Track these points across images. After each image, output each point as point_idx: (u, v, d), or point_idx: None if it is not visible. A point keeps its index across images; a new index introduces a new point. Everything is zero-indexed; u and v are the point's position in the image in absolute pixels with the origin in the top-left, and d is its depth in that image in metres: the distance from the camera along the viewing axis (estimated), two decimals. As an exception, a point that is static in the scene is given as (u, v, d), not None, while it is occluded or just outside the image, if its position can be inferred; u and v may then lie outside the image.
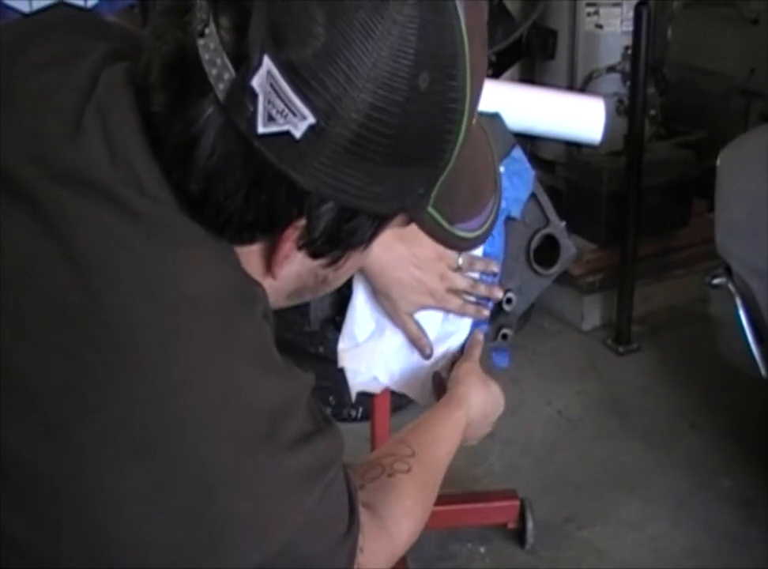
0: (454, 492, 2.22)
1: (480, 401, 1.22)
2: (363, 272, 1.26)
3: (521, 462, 2.39)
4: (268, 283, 0.74)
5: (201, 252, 0.68)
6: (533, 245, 1.47)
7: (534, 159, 2.55)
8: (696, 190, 2.99)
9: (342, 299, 1.40)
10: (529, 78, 3.25)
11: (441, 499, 2.23)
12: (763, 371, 2.04)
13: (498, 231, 1.41)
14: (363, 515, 0.85)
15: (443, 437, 1.18)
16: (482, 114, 1.41)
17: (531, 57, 3.25)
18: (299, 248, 0.70)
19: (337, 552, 0.78)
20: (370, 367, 1.38)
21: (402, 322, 1.30)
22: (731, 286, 2.06)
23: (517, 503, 2.09)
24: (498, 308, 1.47)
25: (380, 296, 1.29)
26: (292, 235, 0.68)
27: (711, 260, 2.29)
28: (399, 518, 0.98)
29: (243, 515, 0.65)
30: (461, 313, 1.32)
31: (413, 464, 1.09)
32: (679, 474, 2.33)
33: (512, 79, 3.22)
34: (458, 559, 2.10)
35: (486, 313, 1.34)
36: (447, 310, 1.31)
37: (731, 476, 2.31)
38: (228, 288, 0.69)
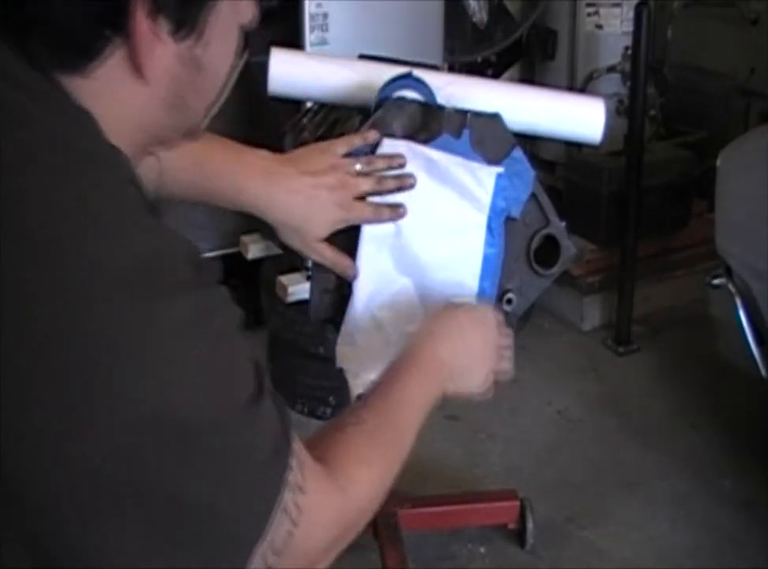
0: (454, 492, 2.23)
1: (454, 326, 1.12)
2: (274, 223, 1.19)
3: (522, 463, 2.39)
4: (143, 95, 0.72)
5: (62, 121, 0.67)
6: (533, 245, 1.47)
7: (534, 159, 2.55)
8: (696, 190, 2.99)
9: (342, 299, 1.40)
10: (529, 78, 3.25)
11: (441, 500, 2.25)
12: (763, 372, 2.04)
13: (498, 231, 1.41)
14: (308, 459, 0.81)
15: (401, 380, 1.04)
16: (482, 114, 1.42)
17: (531, 57, 3.25)
18: (153, 19, 0.68)
19: (242, 432, 0.71)
20: (369, 368, 1.38)
21: (315, 251, 1.23)
22: (731, 286, 2.06)
23: (517, 503, 2.09)
24: (498, 309, 1.47)
25: (287, 233, 1.21)
26: (142, 14, 0.67)
27: (711, 260, 2.29)
28: (349, 468, 0.90)
29: (111, 367, 0.63)
30: (378, 218, 1.25)
31: (363, 413, 0.99)
32: (679, 474, 2.33)
33: (512, 79, 3.22)
34: (458, 559, 2.09)
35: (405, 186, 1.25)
36: (363, 221, 1.24)
37: (731, 476, 2.31)
38: (91, 153, 0.68)
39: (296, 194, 1.19)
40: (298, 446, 0.80)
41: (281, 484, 0.75)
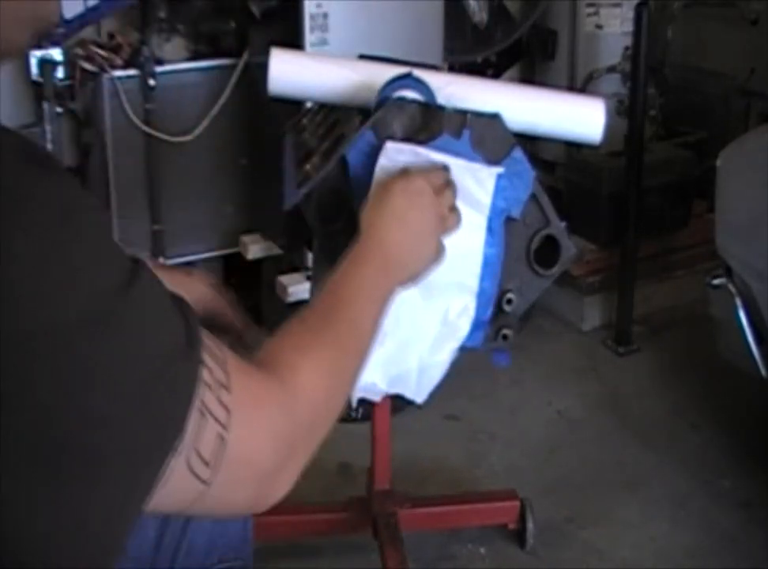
0: (454, 492, 2.23)
1: (389, 213, 1.08)
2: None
3: (522, 463, 2.39)
4: None
5: None
6: (533, 245, 1.47)
7: (534, 159, 2.54)
8: (696, 190, 2.99)
9: (342, 299, 1.40)
10: (529, 78, 3.25)
11: (441, 500, 2.25)
12: (763, 371, 2.04)
13: (499, 231, 1.41)
14: (231, 355, 0.73)
15: (346, 276, 0.98)
16: (482, 115, 1.42)
17: (531, 57, 3.25)
18: None
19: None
20: (369, 372, 1.38)
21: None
22: (731, 286, 2.06)
23: (517, 503, 2.09)
24: (498, 309, 1.47)
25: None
26: None
27: (711, 260, 2.29)
28: (286, 356, 0.80)
29: None
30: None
31: (306, 311, 0.91)
32: (679, 474, 2.33)
33: (512, 79, 3.22)
34: (458, 559, 2.09)
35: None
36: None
37: (731, 476, 2.31)
38: None
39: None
40: (213, 342, 0.71)
41: (194, 381, 0.65)
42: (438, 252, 1.14)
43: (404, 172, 1.17)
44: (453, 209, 1.20)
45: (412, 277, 1.10)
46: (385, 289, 1.01)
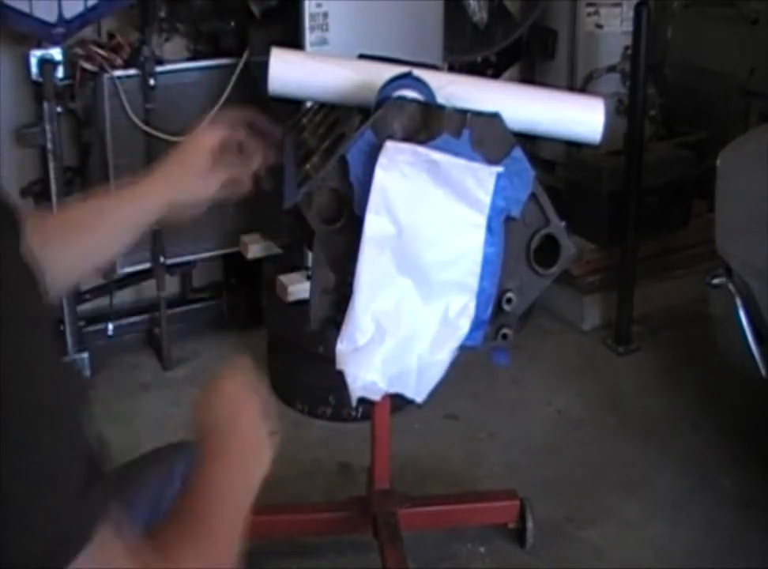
0: (454, 492, 2.23)
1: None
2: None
3: (521, 462, 2.39)
4: None
5: None
6: (533, 245, 1.47)
7: (534, 159, 2.54)
8: (696, 190, 2.99)
9: (342, 299, 1.41)
10: (529, 78, 3.25)
11: (441, 499, 2.25)
12: (763, 371, 2.04)
13: (498, 230, 1.41)
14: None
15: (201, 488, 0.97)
16: (482, 114, 1.42)
17: (531, 57, 3.25)
18: None
19: None
20: (369, 371, 1.38)
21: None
22: (731, 286, 2.06)
23: (517, 503, 2.09)
24: (498, 308, 1.47)
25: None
26: None
27: (711, 260, 2.28)
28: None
29: None
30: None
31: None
32: (679, 474, 2.33)
33: (512, 79, 3.22)
34: (458, 559, 2.09)
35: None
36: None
37: (731, 476, 2.31)
38: None
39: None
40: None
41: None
42: (267, 452, 1.08)
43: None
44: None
45: (256, 474, 1.03)
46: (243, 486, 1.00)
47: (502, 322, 1.49)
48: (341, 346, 1.38)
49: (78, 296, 2.65)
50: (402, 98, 1.41)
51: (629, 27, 2.83)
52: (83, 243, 1.21)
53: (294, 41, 2.34)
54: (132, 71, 2.51)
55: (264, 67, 1.51)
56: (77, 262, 1.21)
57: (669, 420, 2.55)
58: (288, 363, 2.59)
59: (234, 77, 2.57)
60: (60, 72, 2.43)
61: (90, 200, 1.29)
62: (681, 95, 3.28)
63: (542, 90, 1.67)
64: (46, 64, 2.38)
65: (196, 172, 1.31)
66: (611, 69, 3.05)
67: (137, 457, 1.20)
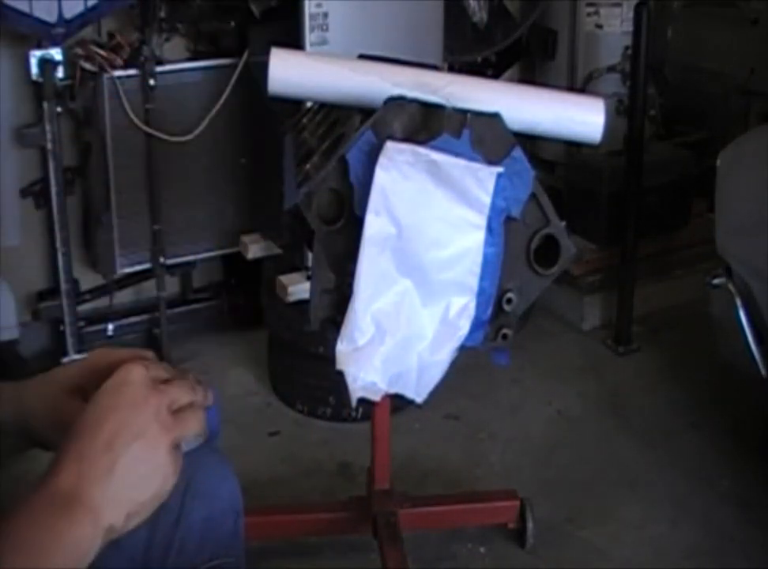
0: (454, 492, 2.23)
1: (77, 434, 0.77)
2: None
3: (521, 462, 2.39)
4: None
5: None
6: (533, 245, 1.47)
7: (534, 159, 2.55)
8: (696, 190, 2.99)
9: (342, 299, 1.41)
10: (529, 78, 3.25)
11: (441, 499, 2.25)
12: (763, 371, 2.04)
13: (498, 230, 1.41)
14: None
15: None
16: (482, 114, 1.42)
17: (531, 57, 3.25)
18: None
19: None
20: (369, 371, 1.38)
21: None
22: (731, 286, 2.06)
23: (517, 503, 2.09)
24: (498, 308, 1.47)
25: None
26: None
27: (711, 260, 2.28)
28: None
29: None
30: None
31: None
32: (679, 474, 2.33)
33: (512, 79, 3.22)
34: (458, 559, 2.09)
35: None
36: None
37: (731, 476, 2.31)
38: None
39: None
40: None
41: None
42: (169, 468, 0.79)
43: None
44: (186, 408, 0.83)
45: (126, 510, 0.76)
46: (65, 551, 0.72)
47: (502, 322, 1.49)
48: (341, 346, 1.38)
49: (78, 296, 2.65)
50: (402, 98, 1.41)
51: (629, 27, 2.83)
52: None
53: (294, 41, 2.34)
54: (132, 71, 2.51)
55: (264, 67, 1.51)
56: None
57: (669, 420, 2.55)
58: (288, 363, 2.59)
59: (234, 77, 2.58)
60: (60, 72, 2.42)
61: None
62: (681, 95, 3.28)
63: (542, 90, 1.67)
64: (46, 64, 2.38)
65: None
66: (611, 69, 3.05)
67: None
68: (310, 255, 2.02)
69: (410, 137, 1.39)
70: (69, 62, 2.44)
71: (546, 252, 1.48)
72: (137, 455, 0.76)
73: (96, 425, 0.76)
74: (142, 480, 0.77)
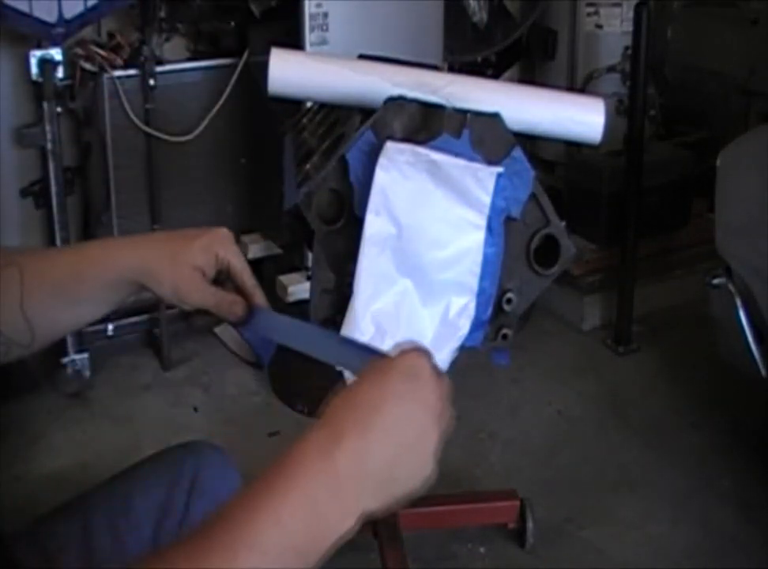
0: (454, 492, 2.23)
1: (365, 404, 0.73)
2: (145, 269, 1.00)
3: (521, 462, 2.39)
4: None
5: None
6: (533, 245, 1.47)
7: (534, 159, 2.55)
8: (696, 190, 2.99)
9: (342, 299, 1.41)
10: (529, 78, 3.25)
11: (441, 499, 2.24)
12: (763, 371, 2.04)
13: (498, 230, 1.41)
14: None
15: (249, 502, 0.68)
16: (482, 114, 1.42)
17: (531, 57, 3.25)
18: None
19: None
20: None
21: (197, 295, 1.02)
22: (731, 286, 2.06)
23: (517, 503, 2.09)
24: (498, 308, 1.47)
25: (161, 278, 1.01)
26: None
27: (711, 260, 2.28)
28: None
29: None
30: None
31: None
32: (679, 474, 2.33)
33: (512, 79, 3.22)
34: (458, 559, 2.09)
35: None
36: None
37: (731, 476, 2.31)
38: None
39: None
40: None
41: None
42: (430, 467, 0.81)
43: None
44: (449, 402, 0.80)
45: (384, 502, 0.77)
46: (317, 530, 0.68)
47: (502, 322, 1.49)
48: (341, 346, 1.38)
49: (78, 296, 2.65)
50: (402, 98, 1.41)
51: (629, 27, 2.83)
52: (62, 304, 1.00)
53: (294, 41, 2.34)
54: (132, 71, 2.51)
55: (264, 67, 1.51)
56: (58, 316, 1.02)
57: (669, 420, 2.55)
58: (288, 363, 2.59)
59: (234, 77, 2.58)
60: (60, 72, 2.42)
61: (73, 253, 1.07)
62: (681, 95, 3.28)
63: (542, 90, 1.67)
64: (46, 64, 2.38)
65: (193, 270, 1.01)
66: (611, 69, 3.05)
67: (142, 460, 1.17)
68: (310, 255, 2.02)
69: (410, 137, 1.39)
70: (69, 62, 2.44)
71: (546, 252, 1.48)
72: (413, 452, 0.76)
73: (386, 413, 0.73)
74: (409, 477, 0.78)
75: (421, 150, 1.37)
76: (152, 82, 2.51)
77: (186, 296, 1.00)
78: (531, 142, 2.91)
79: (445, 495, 2.19)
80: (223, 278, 1.05)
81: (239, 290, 1.05)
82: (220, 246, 1.01)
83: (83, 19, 2.37)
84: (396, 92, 1.42)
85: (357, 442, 0.70)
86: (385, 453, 0.72)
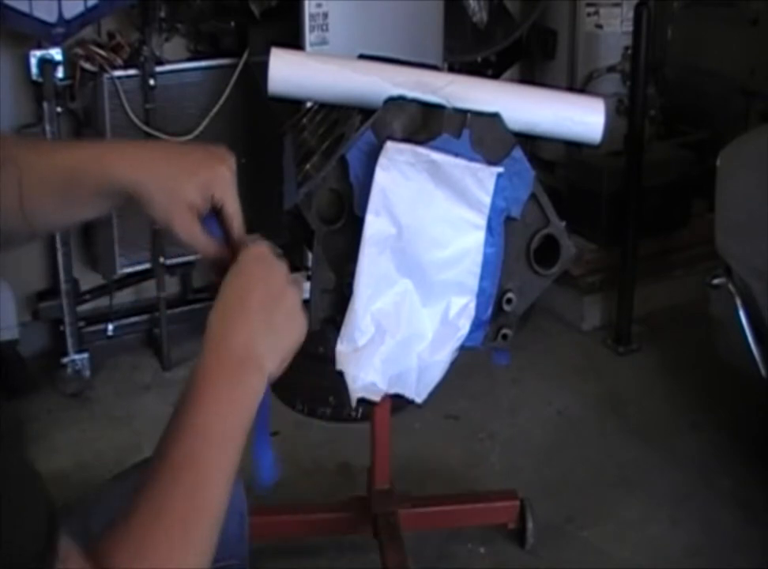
0: (454, 492, 2.23)
1: (231, 303, 0.89)
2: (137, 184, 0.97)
3: (521, 462, 2.39)
4: None
5: None
6: (533, 245, 1.47)
7: (534, 159, 2.55)
8: (696, 190, 2.99)
9: (342, 299, 1.41)
10: (529, 78, 3.25)
11: (441, 500, 2.25)
12: (763, 371, 2.04)
13: (498, 230, 1.41)
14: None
15: (181, 418, 0.82)
16: (482, 114, 1.42)
17: (531, 57, 3.25)
18: None
19: None
20: (369, 371, 1.38)
21: (180, 221, 0.98)
22: (731, 286, 2.06)
23: (517, 503, 2.09)
24: (498, 308, 1.47)
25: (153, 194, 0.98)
26: None
27: (711, 260, 2.29)
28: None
29: None
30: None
31: (136, 494, 0.78)
32: (679, 474, 2.33)
33: (512, 79, 3.22)
34: (458, 559, 2.09)
35: None
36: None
37: (731, 476, 2.31)
38: None
39: (164, 149, 1.05)
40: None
41: None
42: (303, 319, 0.94)
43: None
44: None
45: (280, 359, 0.93)
46: (243, 408, 0.86)
47: (502, 322, 1.49)
48: (341, 347, 1.38)
49: (78, 296, 2.65)
50: (402, 98, 1.41)
51: (629, 27, 2.83)
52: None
53: (294, 41, 2.34)
54: (132, 71, 2.51)
55: (264, 67, 1.51)
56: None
57: (669, 420, 2.55)
58: (288, 363, 2.58)
59: (234, 77, 2.58)
60: (60, 72, 2.42)
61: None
62: (681, 95, 3.28)
63: (542, 90, 1.67)
64: (46, 64, 2.38)
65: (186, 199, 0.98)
66: (611, 69, 3.05)
67: (143, 460, 1.16)
68: (310, 255, 2.02)
69: (410, 138, 1.39)
70: (69, 62, 2.44)
71: (546, 252, 1.48)
72: (284, 311, 0.91)
73: (247, 294, 0.90)
74: (289, 331, 0.92)
75: (421, 150, 1.37)
76: (152, 82, 2.51)
77: (175, 230, 0.99)
78: (531, 142, 2.91)
79: (445, 495, 2.19)
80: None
81: (226, 236, 1.02)
82: (217, 188, 0.99)
83: (83, 19, 2.37)
84: (396, 92, 1.42)
85: (241, 335, 0.87)
86: (264, 324, 0.89)
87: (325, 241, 1.43)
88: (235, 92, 2.60)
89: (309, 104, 1.74)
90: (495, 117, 1.42)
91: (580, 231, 2.85)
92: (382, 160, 1.35)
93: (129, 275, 2.72)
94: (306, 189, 1.42)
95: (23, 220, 0.98)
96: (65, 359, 2.57)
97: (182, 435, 0.81)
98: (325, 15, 2.35)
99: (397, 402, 1.72)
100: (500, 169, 1.39)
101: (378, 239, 1.37)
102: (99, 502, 1.08)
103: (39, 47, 2.39)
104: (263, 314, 0.90)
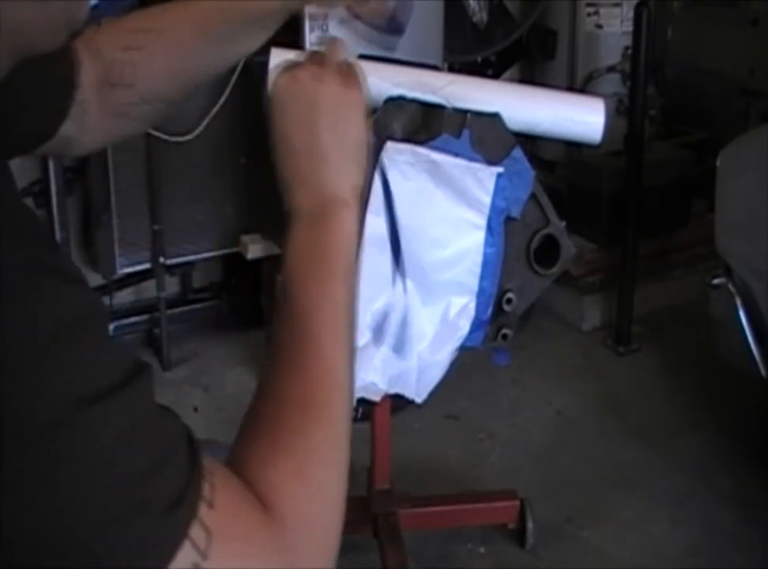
0: (454, 492, 2.23)
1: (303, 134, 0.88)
2: None
3: (521, 462, 2.39)
4: None
5: None
6: (533, 245, 1.47)
7: (534, 159, 2.55)
8: (696, 190, 2.99)
9: (342, 299, 1.40)
10: (529, 78, 3.25)
11: (441, 499, 2.24)
12: (763, 371, 2.04)
13: (498, 230, 1.41)
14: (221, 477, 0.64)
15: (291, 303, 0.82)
16: (482, 114, 1.42)
17: (531, 57, 3.25)
18: None
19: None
20: (369, 371, 1.38)
21: None
22: (731, 286, 2.06)
23: (517, 503, 2.09)
24: (498, 308, 1.47)
25: None
26: None
27: (711, 260, 2.29)
28: (263, 479, 0.69)
29: None
30: None
31: (258, 391, 0.78)
32: (679, 474, 2.33)
33: (512, 79, 3.22)
34: (458, 559, 2.09)
35: None
36: None
37: (731, 476, 2.31)
38: None
39: None
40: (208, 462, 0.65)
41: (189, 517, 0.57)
42: (360, 129, 0.90)
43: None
44: (345, 67, 0.97)
45: (358, 170, 0.89)
46: (342, 260, 0.83)
47: (502, 322, 1.49)
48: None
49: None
50: (402, 98, 1.41)
51: (629, 27, 2.83)
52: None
53: (294, 41, 2.34)
54: (132, 71, 2.50)
55: (264, 67, 1.51)
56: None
57: (669, 420, 2.55)
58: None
59: (234, 77, 2.57)
60: (60, 72, 2.42)
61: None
62: (681, 95, 3.28)
63: (542, 90, 1.67)
64: (46, 64, 2.38)
65: None
66: (611, 69, 3.05)
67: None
68: (310, 255, 2.02)
69: (410, 138, 1.39)
70: (69, 62, 2.44)
71: (546, 252, 1.48)
72: (348, 135, 0.88)
73: (312, 132, 0.87)
74: (359, 154, 0.88)
75: (421, 150, 1.37)
76: (152, 82, 2.51)
77: None
78: (531, 142, 2.91)
79: (445, 495, 2.19)
80: None
81: None
82: None
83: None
84: (396, 92, 1.42)
85: (325, 177, 0.86)
86: (340, 161, 0.86)
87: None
88: (235, 92, 2.59)
89: (309, 104, 1.74)
90: (494, 117, 1.42)
91: (580, 231, 2.86)
92: (382, 160, 1.35)
93: (129, 275, 2.72)
94: (306, 189, 1.42)
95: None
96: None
97: (299, 314, 0.80)
98: (325, 15, 2.35)
99: (397, 402, 1.72)
100: (500, 169, 1.39)
101: (378, 239, 1.37)
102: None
103: (39, 47, 2.38)
104: (337, 151, 0.87)
